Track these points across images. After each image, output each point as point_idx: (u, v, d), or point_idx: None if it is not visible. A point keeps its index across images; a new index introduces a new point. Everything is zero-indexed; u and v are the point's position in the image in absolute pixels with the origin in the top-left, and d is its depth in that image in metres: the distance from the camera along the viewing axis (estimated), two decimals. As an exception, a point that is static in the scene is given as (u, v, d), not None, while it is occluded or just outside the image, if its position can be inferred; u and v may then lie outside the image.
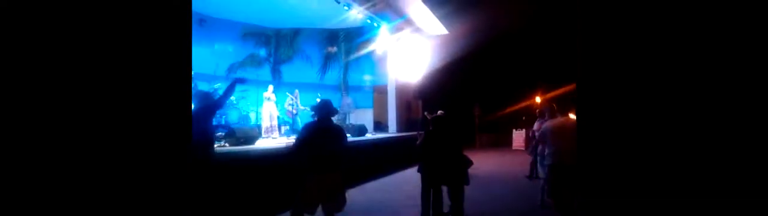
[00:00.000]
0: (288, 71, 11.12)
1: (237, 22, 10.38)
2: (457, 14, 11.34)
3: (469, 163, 4.01)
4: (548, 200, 3.96)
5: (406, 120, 11.12)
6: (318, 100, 8.65)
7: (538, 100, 15.43)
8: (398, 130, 10.58)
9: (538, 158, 4.78)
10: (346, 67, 11.40)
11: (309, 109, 8.34)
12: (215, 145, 5.05)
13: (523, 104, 16.00)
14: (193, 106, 3.68)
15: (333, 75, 11.52)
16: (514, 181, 6.52)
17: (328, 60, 11.57)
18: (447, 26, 11.89)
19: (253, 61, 10.33)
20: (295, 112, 8.42)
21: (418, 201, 4.00)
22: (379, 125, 11.20)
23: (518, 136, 13.41)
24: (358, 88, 11.98)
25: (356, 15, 9.18)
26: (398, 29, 10.72)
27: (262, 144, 5.67)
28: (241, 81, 3.67)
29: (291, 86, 9.95)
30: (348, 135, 7.75)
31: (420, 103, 11.60)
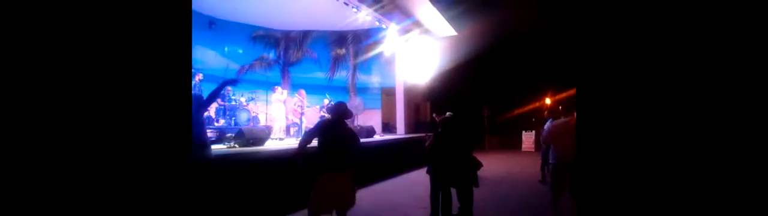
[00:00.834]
0: (297, 73, 11.19)
1: (246, 25, 10.49)
2: (466, 15, 11.32)
3: (479, 164, 4.00)
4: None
5: (414, 121, 11.11)
6: (326, 101, 8.69)
7: (547, 101, 15.32)
8: (406, 132, 10.57)
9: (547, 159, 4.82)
10: (355, 69, 11.44)
11: (323, 111, 8.40)
12: (224, 147, 5.11)
13: (533, 106, 15.88)
14: None
15: (341, 77, 11.56)
16: (524, 183, 6.47)
17: (336, 62, 11.62)
18: (456, 27, 11.87)
19: (263, 63, 10.42)
20: (301, 112, 8.41)
21: (428, 203, 3.98)
22: (388, 127, 11.20)
23: (528, 138, 13.32)
24: (367, 90, 12.01)
25: (365, 17, 9.20)
26: (407, 31, 10.73)
27: (271, 145, 5.70)
28: (231, 83, 3.57)
29: (300, 88, 10.00)
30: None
31: (428, 104, 11.58)
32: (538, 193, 5.27)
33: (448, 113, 4.37)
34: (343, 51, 11.55)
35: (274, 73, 10.53)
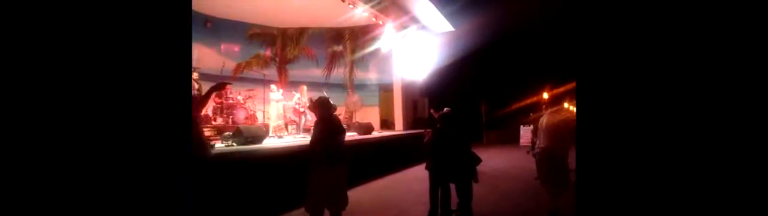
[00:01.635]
0: (294, 70, 11.16)
1: (242, 23, 10.44)
2: (463, 11, 11.29)
3: (478, 160, 4.00)
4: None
5: (412, 118, 11.11)
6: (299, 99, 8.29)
7: (545, 96, 15.34)
8: (405, 128, 10.58)
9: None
10: (352, 66, 11.41)
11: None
12: (222, 145, 5.10)
13: (531, 100, 15.90)
14: None
15: (339, 73, 11.54)
16: (523, 178, 6.49)
17: (333, 59, 11.59)
18: (453, 23, 11.83)
19: (259, 61, 10.39)
20: (302, 110, 7.96)
21: (426, 198, 4.00)
22: (386, 123, 11.20)
23: (526, 133, 13.32)
24: (365, 87, 11.99)
25: (362, 13, 9.16)
26: (404, 27, 10.69)
27: (270, 143, 5.70)
28: (222, 86, 3.50)
29: (297, 85, 9.97)
30: (354, 133, 7.83)
31: (426, 100, 11.57)
32: (537, 187, 5.29)
33: (446, 109, 4.37)
34: (340, 48, 11.52)
35: (271, 71, 10.50)
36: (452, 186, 3.88)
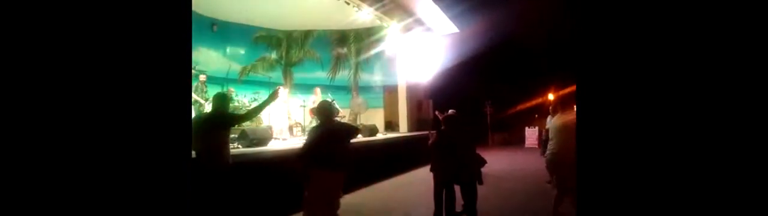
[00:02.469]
0: (299, 73, 11.21)
1: (248, 26, 10.52)
2: (468, 12, 11.30)
3: (483, 161, 4.01)
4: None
5: (417, 119, 11.11)
6: (314, 102, 8.38)
7: (550, 97, 15.29)
8: (410, 130, 10.57)
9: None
10: (357, 68, 11.44)
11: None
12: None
13: (535, 102, 15.86)
14: (211, 109, 3.65)
15: (344, 75, 11.57)
16: (528, 180, 6.48)
17: (338, 61, 11.63)
18: (458, 25, 11.84)
19: (265, 64, 10.45)
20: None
21: (431, 200, 4.00)
22: (391, 125, 11.21)
23: (531, 134, 13.32)
24: (369, 89, 12.01)
25: (366, 16, 9.20)
26: (408, 29, 10.72)
27: (274, 145, 5.73)
28: (277, 93, 3.46)
29: (302, 87, 10.02)
30: (359, 135, 7.83)
31: (431, 102, 11.58)
32: (543, 189, 5.28)
33: (450, 111, 4.39)
34: (344, 50, 11.55)
35: (277, 74, 10.55)
36: (457, 188, 3.88)
